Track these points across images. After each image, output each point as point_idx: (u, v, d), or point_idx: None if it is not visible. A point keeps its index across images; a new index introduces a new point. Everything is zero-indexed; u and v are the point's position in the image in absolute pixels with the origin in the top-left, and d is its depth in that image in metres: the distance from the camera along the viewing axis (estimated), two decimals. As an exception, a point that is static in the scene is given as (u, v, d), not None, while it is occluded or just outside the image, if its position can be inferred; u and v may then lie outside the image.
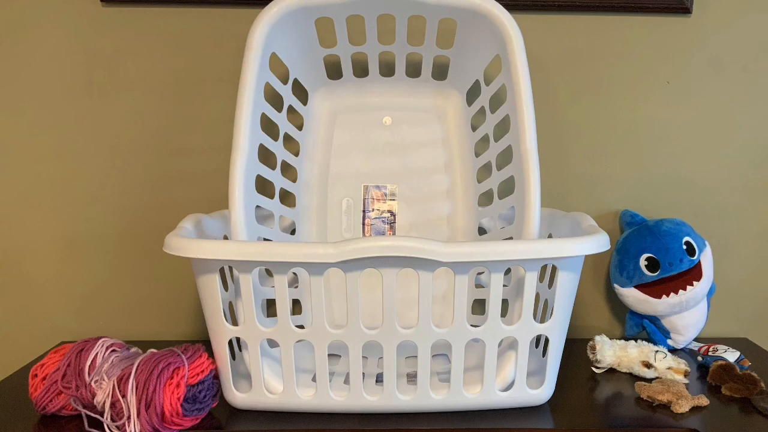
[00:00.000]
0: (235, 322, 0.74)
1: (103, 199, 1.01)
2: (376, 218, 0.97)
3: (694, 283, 0.93)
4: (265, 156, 0.87)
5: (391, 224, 0.97)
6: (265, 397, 0.74)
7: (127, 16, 0.97)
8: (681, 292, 0.93)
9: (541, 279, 0.83)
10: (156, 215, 1.01)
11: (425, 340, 0.71)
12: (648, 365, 0.85)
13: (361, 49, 0.91)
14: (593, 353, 0.88)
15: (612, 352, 0.87)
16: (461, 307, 0.70)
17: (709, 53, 1.01)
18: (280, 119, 0.91)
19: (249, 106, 0.80)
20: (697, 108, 1.02)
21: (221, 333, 0.73)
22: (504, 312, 0.78)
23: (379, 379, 0.78)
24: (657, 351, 0.87)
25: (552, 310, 0.73)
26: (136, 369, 0.69)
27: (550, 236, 0.88)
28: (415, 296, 0.78)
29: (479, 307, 0.99)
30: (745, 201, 1.04)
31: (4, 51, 0.98)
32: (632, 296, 0.96)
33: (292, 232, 0.96)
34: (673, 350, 0.95)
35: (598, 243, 0.70)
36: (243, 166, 0.78)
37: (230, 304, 0.80)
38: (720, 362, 0.83)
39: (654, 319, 0.97)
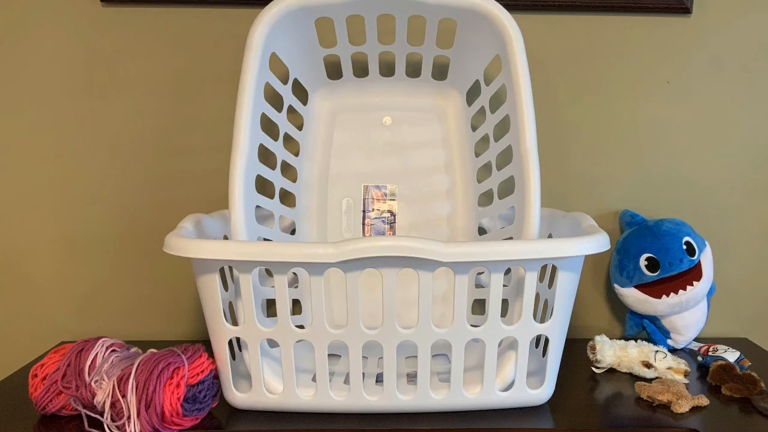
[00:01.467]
0: (235, 322, 0.74)
1: (103, 199, 1.01)
2: (376, 218, 0.97)
3: (694, 283, 0.93)
4: (265, 156, 0.87)
5: (391, 224, 0.97)
6: (265, 397, 0.74)
7: (127, 16, 0.97)
8: (681, 292, 0.93)
9: (541, 279, 0.83)
10: (156, 215, 1.01)
11: (425, 340, 0.71)
12: (648, 365, 0.85)
13: (361, 49, 0.91)
14: (593, 353, 0.88)
15: (612, 352, 0.87)
16: (461, 307, 0.70)
17: (709, 53, 1.01)
18: (280, 119, 0.91)
19: (249, 106, 0.80)
20: (697, 108, 1.02)
21: (221, 333, 0.73)
22: (504, 312, 0.78)
23: (379, 379, 0.78)
24: (657, 351, 0.87)
25: (552, 310, 0.73)
26: (136, 369, 0.69)
27: (550, 236, 0.88)
28: (415, 296, 0.78)
29: (479, 307, 0.99)
30: (745, 201, 1.03)
31: (4, 51, 0.98)
32: (632, 296, 0.95)
33: (292, 232, 0.96)
34: (673, 350, 0.95)
35: (598, 243, 0.70)
36: (243, 166, 0.78)
37: (230, 304, 0.80)
38: (720, 362, 0.83)
39: (654, 319, 0.97)
